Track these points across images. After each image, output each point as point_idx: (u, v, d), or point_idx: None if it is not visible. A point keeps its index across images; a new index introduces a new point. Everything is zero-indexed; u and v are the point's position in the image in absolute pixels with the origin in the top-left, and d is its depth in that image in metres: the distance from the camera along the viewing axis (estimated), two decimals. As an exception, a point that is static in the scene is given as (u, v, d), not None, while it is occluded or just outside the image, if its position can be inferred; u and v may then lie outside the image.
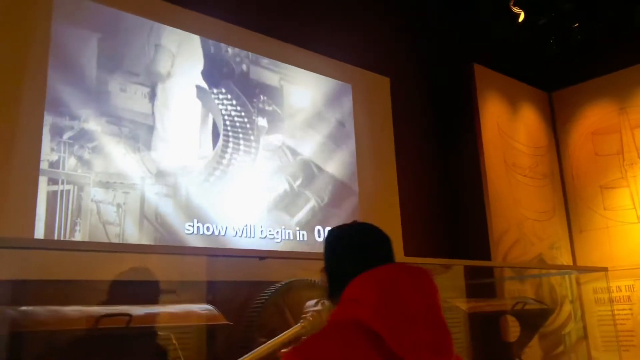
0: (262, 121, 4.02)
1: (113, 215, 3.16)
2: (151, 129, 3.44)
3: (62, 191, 3.00)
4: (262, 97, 4.07)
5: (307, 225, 4.07)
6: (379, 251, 1.43)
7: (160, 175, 3.41)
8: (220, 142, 3.76)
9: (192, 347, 2.85)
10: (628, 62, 5.61)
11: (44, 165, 2.96)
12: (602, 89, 5.81)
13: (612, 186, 5.61)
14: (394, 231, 4.30)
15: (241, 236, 3.68)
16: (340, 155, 4.47)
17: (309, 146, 4.28)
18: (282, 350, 2.59)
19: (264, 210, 3.86)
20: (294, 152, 4.17)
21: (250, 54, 4.07)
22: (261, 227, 3.80)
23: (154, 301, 2.69)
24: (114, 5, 3.41)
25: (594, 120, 5.86)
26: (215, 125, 3.77)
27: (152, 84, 3.51)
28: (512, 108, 5.76)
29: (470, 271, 4.02)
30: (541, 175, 5.82)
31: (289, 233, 3.94)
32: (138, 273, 2.75)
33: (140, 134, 3.38)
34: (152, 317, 2.60)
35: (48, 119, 3.01)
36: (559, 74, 6.11)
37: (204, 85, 3.77)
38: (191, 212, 3.50)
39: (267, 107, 4.08)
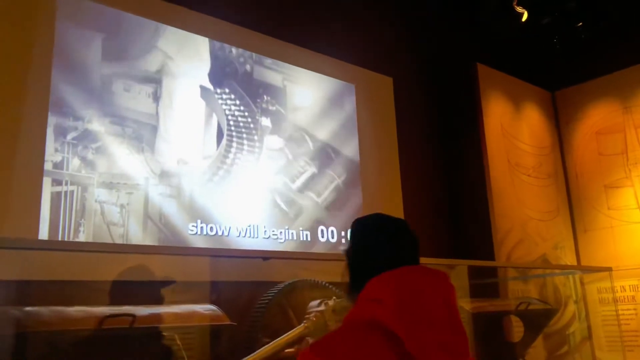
0: (265, 121, 4.02)
1: (117, 216, 3.16)
2: (155, 129, 3.45)
3: (66, 192, 3.00)
4: (265, 97, 4.07)
5: (311, 226, 4.07)
6: (409, 252, 1.41)
7: (163, 175, 3.41)
8: (224, 142, 3.76)
9: (196, 348, 2.85)
10: (632, 61, 5.58)
11: (47, 166, 2.96)
12: (606, 88, 5.78)
13: (616, 186, 5.59)
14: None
15: (244, 236, 3.68)
16: (343, 156, 4.47)
17: (312, 146, 4.29)
18: (287, 350, 2.60)
19: (267, 211, 3.87)
20: (296, 153, 4.17)
21: (253, 54, 4.07)
22: (264, 227, 3.80)
23: (157, 301, 2.70)
24: (118, 6, 3.41)
25: (598, 119, 5.83)
26: (219, 125, 3.77)
27: (155, 84, 3.51)
28: (515, 107, 5.75)
29: (473, 271, 4.00)
30: (545, 175, 5.80)
31: (292, 233, 3.94)
32: (142, 273, 2.75)
33: (144, 134, 3.38)
34: (156, 317, 2.61)
35: (52, 120, 3.02)
36: (562, 74, 6.09)
37: (208, 85, 3.78)
38: (195, 213, 3.50)
39: (270, 107, 4.08)
